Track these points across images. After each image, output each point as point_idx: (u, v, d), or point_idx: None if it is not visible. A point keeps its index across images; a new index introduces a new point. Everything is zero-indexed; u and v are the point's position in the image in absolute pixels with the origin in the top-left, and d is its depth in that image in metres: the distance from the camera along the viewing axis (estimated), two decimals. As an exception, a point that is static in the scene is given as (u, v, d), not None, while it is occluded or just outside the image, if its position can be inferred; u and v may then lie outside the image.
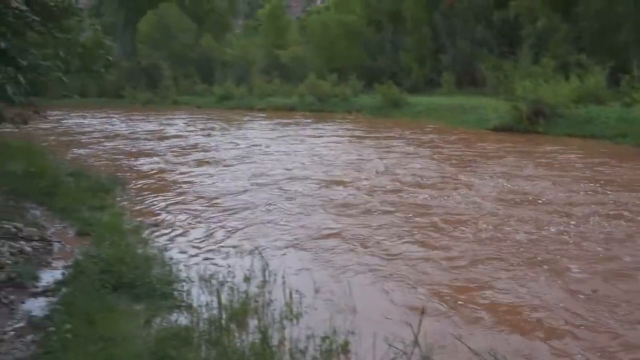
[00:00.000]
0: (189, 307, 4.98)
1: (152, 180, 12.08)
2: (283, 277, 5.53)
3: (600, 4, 28.36)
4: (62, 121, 30.32)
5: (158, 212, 9.11)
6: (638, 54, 24.26)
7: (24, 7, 6.09)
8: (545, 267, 6.20)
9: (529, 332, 4.76)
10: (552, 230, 7.61)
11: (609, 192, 9.90)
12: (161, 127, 26.72)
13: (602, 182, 10.80)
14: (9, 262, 5.81)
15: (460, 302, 5.34)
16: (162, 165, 14.14)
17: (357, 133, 22.09)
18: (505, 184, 10.81)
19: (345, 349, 4.34)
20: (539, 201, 9.29)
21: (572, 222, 7.97)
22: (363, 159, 14.46)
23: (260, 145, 18.26)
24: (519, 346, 4.52)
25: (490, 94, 26.75)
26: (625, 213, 8.40)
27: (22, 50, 6.33)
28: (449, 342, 4.50)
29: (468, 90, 35.01)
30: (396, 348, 4.27)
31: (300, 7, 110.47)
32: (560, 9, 31.25)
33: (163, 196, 10.38)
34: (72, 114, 35.80)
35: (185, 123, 29.23)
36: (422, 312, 4.16)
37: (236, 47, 57.68)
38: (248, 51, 55.37)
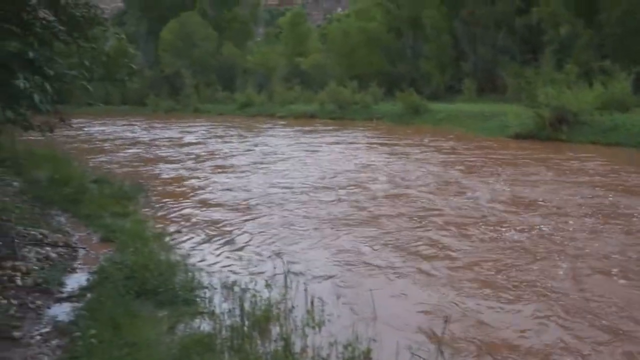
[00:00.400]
0: (212, 314, 5.01)
1: (173, 187, 12.19)
2: (305, 284, 5.53)
3: (624, 9, 28.06)
4: (86, 129, 30.70)
5: (180, 218, 9.17)
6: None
7: (51, 18, 6.20)
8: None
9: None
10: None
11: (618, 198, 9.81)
12: (182, 135, 26.95)
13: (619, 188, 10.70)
14: (36, 267, 5.89)
15: (484, 310, 5.29)
16: (182, 172, 14.26)
17: (376, 140, 22.06)
18: (522, 190, 10.74)
19: (367, 356, 4.32)
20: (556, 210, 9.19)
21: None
22: (379, 166, 14.46)
23: (279, 152, 18.33)
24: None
25: (512, 101, 26.57)
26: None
27: (48, 59, 6.43)
28: (473, 350, 4.47)
29: (489, 97, 34.81)
30: (419, 357, 4.26)
31: (321, 15, 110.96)
32: (584, 15, 30.98)
33: (184, 203, 10.46)
34: (95, 122, 36.28)
35: (205, 130, 29.45)
36: (446, 320, 4.13)
37: (257, 55, 58.08)
38: (269, 59, 55.72)
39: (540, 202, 9.78)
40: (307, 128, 29.09)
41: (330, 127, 29.17)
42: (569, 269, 6.34)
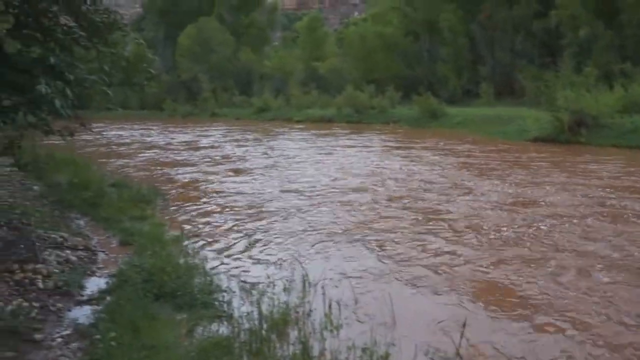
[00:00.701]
0: (230, 317, 5.02)
1: (190, 190, 12.25)
2: (323, 287, 5.52)
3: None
4: (104, 133, 31.01)
5: (197, 221, 9.21)
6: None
7: (72, 24, 6.28)
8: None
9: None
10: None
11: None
12: (198, 139, 27.10)
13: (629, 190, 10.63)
14: (56, 270, 5.95)
15: (503, 313, 5.25)
16: (199, 176, 14.32)
17: (391, 144, 21.98)
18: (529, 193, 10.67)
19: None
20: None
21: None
22: (393, 169, 14.43)
23: (294, 156, 18.36)
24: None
25: (530, 104, 26.39)
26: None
27: (69, 65, 6.50)
28: (492, 354, 4.43)
29: (507, 101, 34.63)
30: (438, 361, 4.24)
31: (338, 19, 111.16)
32: (604, 16, 30.70)
33: (201, 206, 10.51)
34: (113, 126, 36.57)
35: (222, 134, 29.60)
36: (464, 324, 4.10)
37: (274, 60, 58.34)
38: (286, 63, 55.93)
39: (542, 202, 9.78)
40: (323, 132, 29.13)
41: (347, 131, 29.18)
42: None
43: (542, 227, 8.30)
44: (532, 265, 6.59)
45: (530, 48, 37.85)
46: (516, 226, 8.38)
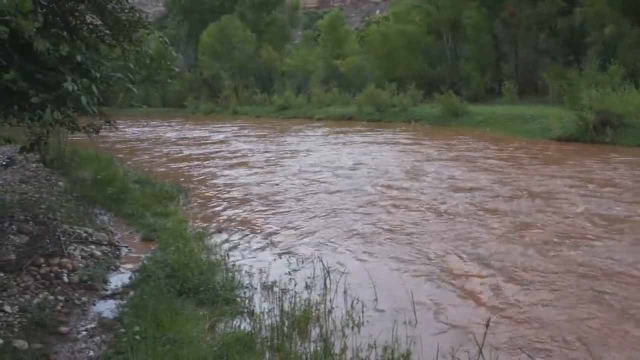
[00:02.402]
0: (252, 314, 5.07)
1: (213, 186, 12.31)
2: (345, 285, 5.53)
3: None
4: (127, 129, 31.34)
5: (219, 217, 9.28)
6: None
7: (98, 22, 6.37)
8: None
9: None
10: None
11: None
12: (220, 136, 27.25)
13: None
14: (81, 265, 6.05)
15: (524, 312, 5.21)
16: (221, 172, 14.39)
17: (410, 142, 21.86)
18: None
19: (407, 358, 4.31)
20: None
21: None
22: (408, 167, 14.38)
23: (314, 152, 18.35)
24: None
25: (553, 103, 26.08)
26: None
27: (95, 62, 6.59)
28: (515, 354, 4.41)
29: (530, 99, 34.26)
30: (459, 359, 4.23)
31: (359, 17, 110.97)
32: (630, 14, 30.21)
33: (223, 202, 10.57)
34: (137, 123, 36.96)
35: (244, 131, 29.72)
36: (487, 324, 4.09)
37: (295, 58, 58.38)
38: (307, 61, 55.95)
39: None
40: (343, 129, 29.09)
41: (366, 129, 29.11)
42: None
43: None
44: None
45: (553, 46, 37.42)
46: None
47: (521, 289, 5.82)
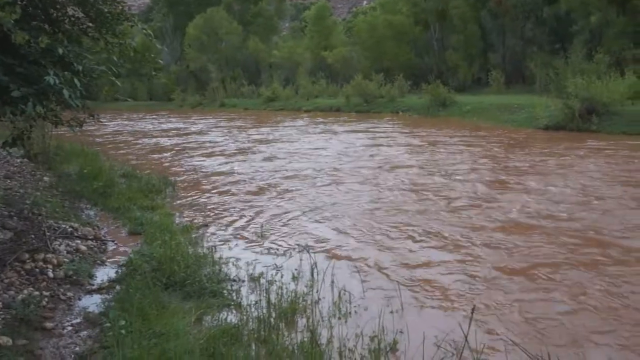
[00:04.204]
0: (239, 306, 5.05)
1: (199, 180, 12.25)
2: (332, 276, 5.53)
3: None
4: (111, 123, 31.12)
5: (205, 210, 9.24)
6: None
7: (80, 14, 6.30)
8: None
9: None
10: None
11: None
12: (206, 128, 27.14)
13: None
14: (66, 260, 6.00)
15: (510, 302, 5.24)
16: (208, 165, 14.34)
17: (396, 132, 21.91)
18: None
19: (394, 347, 4.32)
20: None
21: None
22: (389, 156, 14.47)
23: (299, 144, 18.35)
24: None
25: (540, 92, 26.17)
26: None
27: (77, 55, 6.51)
28: (500, 341, 4.43)
29: (517, 88, 34.40)
30: (445, 349, 4.24)
31: (346, 8, 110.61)
32: (615, 2, 30.34)
33: (210, 195, 10.54)
34: (120, 117, 36.69)
35: (229, 124, 29.62)
36: (472, 311, 4.10)
37: (282, 49, 58.16)
38: (294, 53, 55.75)
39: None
40: (328, 120, 29.11)
41: (353, 120, 29.14)
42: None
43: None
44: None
45: (540, 35, 37.53)
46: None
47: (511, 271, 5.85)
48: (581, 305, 5.15)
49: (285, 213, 8.93)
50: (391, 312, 4.99)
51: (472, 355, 4.06)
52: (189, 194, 10.70)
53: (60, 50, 5.86)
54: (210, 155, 16.73)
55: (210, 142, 20.76)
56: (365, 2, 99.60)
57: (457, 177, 11.50)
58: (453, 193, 9.98)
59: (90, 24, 6.74)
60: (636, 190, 9.83)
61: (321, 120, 29.91)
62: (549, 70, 25.41)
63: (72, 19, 6.40)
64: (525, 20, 38.13)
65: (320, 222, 8.32)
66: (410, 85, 36.93)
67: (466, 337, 3.94)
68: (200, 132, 25.37)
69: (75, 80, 5.99)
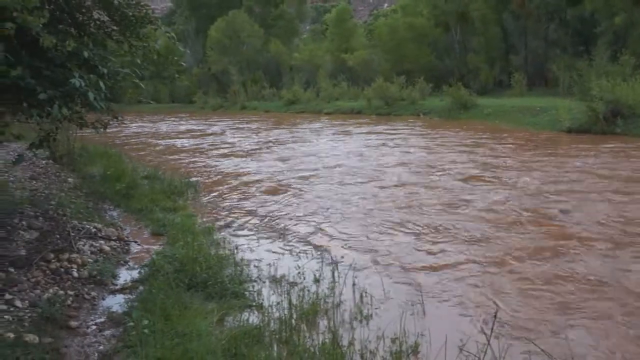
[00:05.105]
0: (260, 307, 5.08)
1: (221, 181, 12.31)
2: (353, 278, 5.53)
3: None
4: (135, 125, 31.42)
5: (227, 212, 9.28)
6: None
7: (105, 18, 6.39)
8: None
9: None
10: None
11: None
12: (228, 130, 27.27)
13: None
14: (90, 260, 6.08)
15: (531, 301, 5.19)
16: (229, 166, 14.41)
17: (415, 134, 21.83)
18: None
19: (415, 350, 4.31)
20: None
21: None
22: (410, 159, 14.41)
23: (321, 147, 18.38)
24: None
25: (563, 94, 25.90)
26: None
27: (102, 58, 6.61)
28: (523, 345, 4.39)
29: (540, 91, 34.06)
30: (467, 352, 4.21)
31: (367, 11, 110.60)
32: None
33: (231, 195, 10.62)
34: (144, 119, 37.03)
35: (251, 126, 29.73)
36: (495, 315, 4.08)
37: (304, 52, 58.29)
38: (315, 55, 55.84)
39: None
40: (347, 123, 29.11)
41: (373, 122, 29.10)
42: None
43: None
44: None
45: (563, 37, 37.14)
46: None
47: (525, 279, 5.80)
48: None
49: (305, 214, 8.96)
50: (412, 314, 4.98)
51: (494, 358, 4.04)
52: (210, 195, 10.77)
53: (86, 54, 5.96)
54: (229, 155, 16.86)
55: (229, 143, 20.89)
56: (386, 5, 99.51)
57: (475, 179, 11.47)
58: (475, 195, 9.92)
59: (115, 28, 6.82)
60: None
61: (341, 122, 29.97)
62: (572, 72, 25.11)
63: (98, 22, 6.49)
64: (548, 21, 37.77)
65: (340, 223, 8.32)
66: (432, 88, 36.78)
67: (489, 341, 3.92)
68: (220, 134, 25.53)
69: (100, 83, 6.08)
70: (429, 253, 6.82)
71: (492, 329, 3.94)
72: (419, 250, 6.96)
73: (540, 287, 5.61)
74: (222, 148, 19.24)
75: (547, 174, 11.73)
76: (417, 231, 7.78)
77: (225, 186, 11.78)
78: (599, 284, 5.67)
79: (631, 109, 18.83)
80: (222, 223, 8.45)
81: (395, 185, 11.21)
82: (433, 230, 7.79)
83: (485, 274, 6.06)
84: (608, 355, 4.32)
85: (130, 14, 7.11)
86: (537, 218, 8.28)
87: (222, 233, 7.82)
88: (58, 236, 6.62)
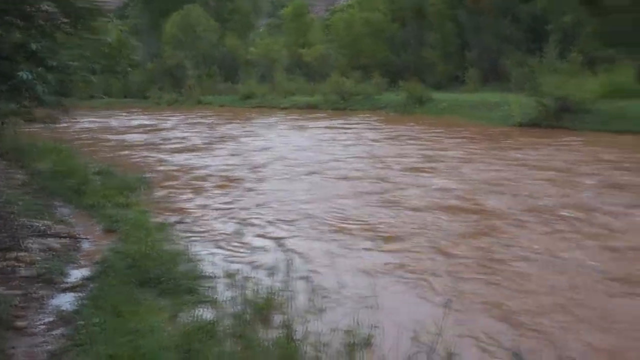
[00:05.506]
0: (214, 302, 5.05)
1: (175, 176, 12.19)
2: (307, 271, 5.56)
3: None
4: (84, 120, 30.73)
5: (181, 206, 9.22)
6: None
7: (53, 10, 6.24)
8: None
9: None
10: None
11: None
12: (179, 126, 26.91)
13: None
14: (39, 258, 5.94)
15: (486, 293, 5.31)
16: (183, 161, 14.25)
17: (370, 129, 22.03)
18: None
19: (368, 342, 4.36)
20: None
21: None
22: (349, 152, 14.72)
23: (272, 140, 18.41)
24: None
25: (516, 90, 26.44)
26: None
27: (51, 51, 6.45)
28: (474, 335, 4.49)
29: (493, 86, 34.67)
30: (420, 342, 4.29)
31: (324, 6, 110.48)
32: (589, 3, 30.73)
33: (183, 190, 10.55)
34: (98, 114, 36.21)
35: (203, 121, 29.41)
36: (446, 306, 4.16)
37: (260, 46, 57.88)
38: (271, 50, 55.54)
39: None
40: (302, 117, 29.15)
41: (328, 117, 29.13)
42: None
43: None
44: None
45: (516, 33, 37.85)
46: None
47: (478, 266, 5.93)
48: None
49: (258, 207, 8.99)
50: (366, 306, 5.04)
51: (446, 349, 4.12)
52: (164, 191, 10.64)
53: (34, 46, 5.81)
54: (182, 150, 16.71)
55: (182, 138, 20.66)
56: (342, 0, 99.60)
57: (418, 170, 11.90)
58: (416, 186, 10.11)
59: (65, 20, 6.67)
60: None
61: (296, 117, 29.92)
62: (524, 68, 25.67)
63: (46, 14, 6.33)
64: (501, 18, 38.44)
65: (291, 216, 8.38)
66: (388, 83, 37.05)
67: (440, 331, 4.00)
68: (172, 129, 25.16)
69: (49, 76, 5.94)
70: (380, 244, 6.92)
71: (443, 318, 4.02)
72: (370, 240, 7.07)
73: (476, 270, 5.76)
74: (175, 143, 18.98)
75: (487, 166, 12.31)
76: (366, 222, 7.92)
77: (179, 181, 11.66)
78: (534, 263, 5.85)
79: (579, 104, 19.42)
80: (175, 219, 8.36)
81: (345, 178, 11.47)
82: (381, 222, 7.92)
83: (434, 261, 6.21)
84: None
85: (81, 6, 6.96)
86: (470, 206, 8.72)
87: (176, 229, 7.74)
88: (5, 234, 6.45)
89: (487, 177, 10.96)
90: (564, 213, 8.16)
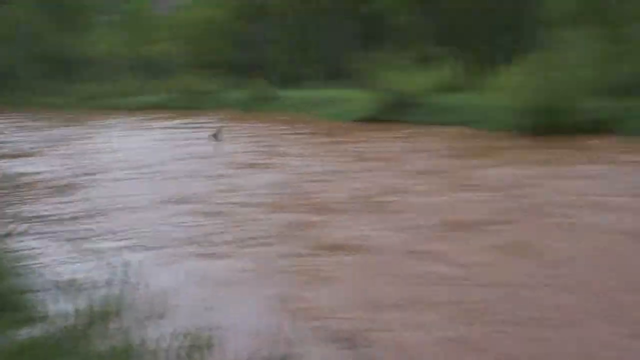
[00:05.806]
0: (44, 317, 4.73)
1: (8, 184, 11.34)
2: (145, 277, 5.41)
3: (458, 3, 30.24)
4: None
5: (9, 218, 8.55)
6: (493, 48, 26.16)
7: None
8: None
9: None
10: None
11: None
12: (14, 131, 24.89)
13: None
14: None
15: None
16: (18, 166, 13.24)
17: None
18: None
19: (209, 343, 4.32)
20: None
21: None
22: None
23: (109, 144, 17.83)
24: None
25: (358, 86, 27.58)
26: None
27: None
28: (312, 333, 4.63)
29: (337, 83, 35.82)
30: (262, 340, 4.35)
31: (167, 3, 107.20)
32: (422, 5, 32.83)
33: (12, 200, 9.89)
34: None
35: (40, 126, 27.40)
36: (281, 301, 4.26)
37: (100, 45, 54.99)
38: (112, 48, 53.01)
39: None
40: (145, 117, 28.28)
41: (172, 117, 28.29)
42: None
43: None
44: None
45: (358, 31, 39.39)
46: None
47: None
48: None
49: (92, 214, 8.71)
50: (206, 308, 5.01)
51: (288, 344, 4.22)
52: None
53: None
54: (9, 156, 15.51)
55: (10, 142, 19.17)
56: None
57: (253, 166, 12.67)
58: (249, 180, 10.82)
59: None
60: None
61: (139, 117, 28.78)
62: (365, 65, 26.86)
63: None
64: (344, 17, 39.78)
65: (126, 219, 8.28)
66: (234, 81, 36.93)
67: (280, 330, 4.08)
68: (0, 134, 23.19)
69: None
70: (213, 243, 7.02)
71: (281, 316, 4.11)
72: (204, 241, 7.14)
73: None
74: (2, 148, 17.58)
75: (320, 158, 13.32)
76: (201, 222, 8.05)
77: (5, 190, 10.80)
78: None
79: (413, 98, 20.75)
80: (1, 231, 7.71)
81: (177, 177, 11.66)
82: (217, 219, 8.12)
83: (273, 258, 6.40)
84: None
85: None
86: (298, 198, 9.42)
87: (3, 241, 7.14)
88: None
89: (316, 170, 11.67)
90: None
